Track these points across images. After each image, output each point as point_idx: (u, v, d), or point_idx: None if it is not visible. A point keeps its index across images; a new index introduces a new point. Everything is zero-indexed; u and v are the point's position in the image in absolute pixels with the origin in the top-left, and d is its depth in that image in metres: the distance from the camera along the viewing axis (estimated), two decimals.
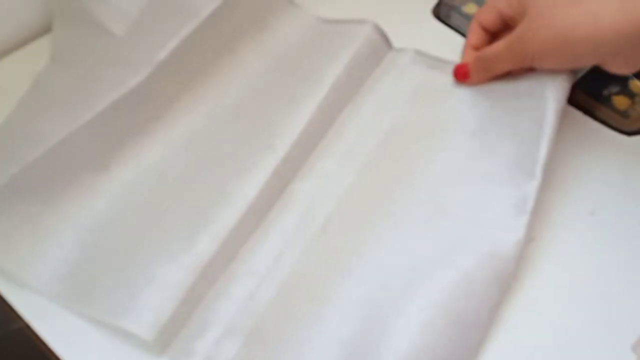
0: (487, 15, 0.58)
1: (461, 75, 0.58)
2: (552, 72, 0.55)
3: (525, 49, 0.53)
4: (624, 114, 0.59)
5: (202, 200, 0.51)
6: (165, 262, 0.48)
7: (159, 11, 0.57)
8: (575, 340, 0.48)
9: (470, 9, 0.66)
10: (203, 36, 0.57)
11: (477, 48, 0.59)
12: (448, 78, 0.60)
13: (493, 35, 0.59)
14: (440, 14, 0.67)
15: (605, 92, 0.61)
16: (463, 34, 0.65)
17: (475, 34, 0.59)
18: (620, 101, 0.60)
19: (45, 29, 0.63)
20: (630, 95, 0.61)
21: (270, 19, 0.63)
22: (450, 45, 0.63)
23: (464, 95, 0.59)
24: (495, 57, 0.56)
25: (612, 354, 0.47)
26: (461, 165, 0.54)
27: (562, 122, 0.55)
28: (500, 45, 0.55)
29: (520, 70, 0.56)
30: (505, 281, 0.49)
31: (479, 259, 0.49)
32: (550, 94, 0.54)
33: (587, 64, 0.55)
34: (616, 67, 0.52)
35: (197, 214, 0.50)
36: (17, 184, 0.49)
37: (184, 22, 0.56)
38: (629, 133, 0.59)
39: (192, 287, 0.47)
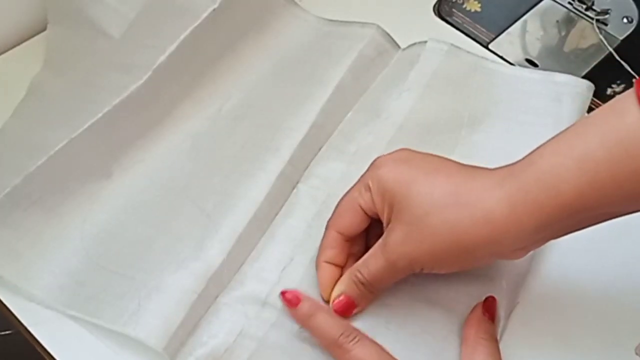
0: (348, 218, 0.47)
1: (342, 309, 0.47)
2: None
3: (411, 264, 0.44)
4: None
5: (209, 205, 0.51)
6: (174, 269, 0.48)
7: (156, 13, 0.56)
8: (579, 342, 0.48)
9: (472, 5, 0.66)
10: (203, 39, 0.56)
11: (336, 263, 0.48)
12: (463, 69, 0.59)
13: (353, 240, 0.49)
14: (442, 11, 0.67)
15: (609, 91, 0.61)
16: (464, 32, 0.65)
17: (333, 247, 0.48)
18: None
19: (42, 28, 0.62)
20: None
21: (271, 20, 0.62)
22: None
23: (479, 87, 0.58)
24: (377, 278, 0.46)
25: (616, 357, 0.47)
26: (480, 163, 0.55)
27: None
28: (378, 263, 0.45)
29: None
30: (519, 285, 0.49)
31: (495, 268, 0.49)
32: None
33: (487, 263, 0.48)
34: (515, 256, 0.44)
35: (204, 220, 0.50)
36: (20, 195, 0.48)
37: (182, 24, 0.55)
38: None
39: (201, 293, 0.47)
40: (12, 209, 0.48)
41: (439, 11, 0.67)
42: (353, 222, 0.47)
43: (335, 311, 0.47)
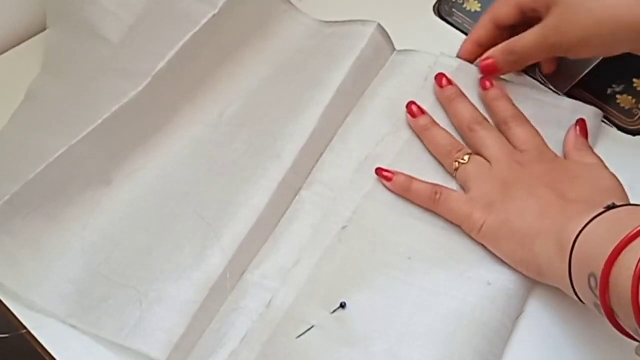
0: (504, 9, 0.56)
1: (490, 70, 0.57)
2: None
3: (561, 40, 0.53)
4: (628, 113, 0.59)
5: (210, 213, 0.51)
6: (176, 279, 0.48)
7: (155, 18, 0.55)
8: (580, 342, 0.48)
9: (472, 5, 0.66)
10: (202, 44, 0.55)
11: (481, 44, 0.58)
12: (464, 78, 0.58)
13: (504, 30, 0.57)
14: (442, 11, 0.66)
15: (610, 91, 0.60)
16: (464, 32, 0.64)
17: (484, 29, 0.58)
18: (625, 100, 0.60)
19: (41, 28, 0.62)
20: (635, 94, 0.60)
21: (271, 24, 0.61)
22: (451, 43, 0.61)
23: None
24: (528, 50, 0.55)
25: (616, 357, 0.47)
26: None
27: None
28: (531, 38, 0.54)
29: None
30: (526, 292, 0.49)
31: (501, 271, 0.49)
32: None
33: (623, 50, 0.54)
34: None
35: (206, 228, 0.50)
36: (19, 202, 0.48)
37: (182, 30, 0.54)
38: (634, 132, 0.58)
39: (204, 303, 0.47)
40: (11, 217, 0.48)
41: (439, 11, 0.66)
42: (508, 13, 0.56)
43: (482, 69, 0.57)
